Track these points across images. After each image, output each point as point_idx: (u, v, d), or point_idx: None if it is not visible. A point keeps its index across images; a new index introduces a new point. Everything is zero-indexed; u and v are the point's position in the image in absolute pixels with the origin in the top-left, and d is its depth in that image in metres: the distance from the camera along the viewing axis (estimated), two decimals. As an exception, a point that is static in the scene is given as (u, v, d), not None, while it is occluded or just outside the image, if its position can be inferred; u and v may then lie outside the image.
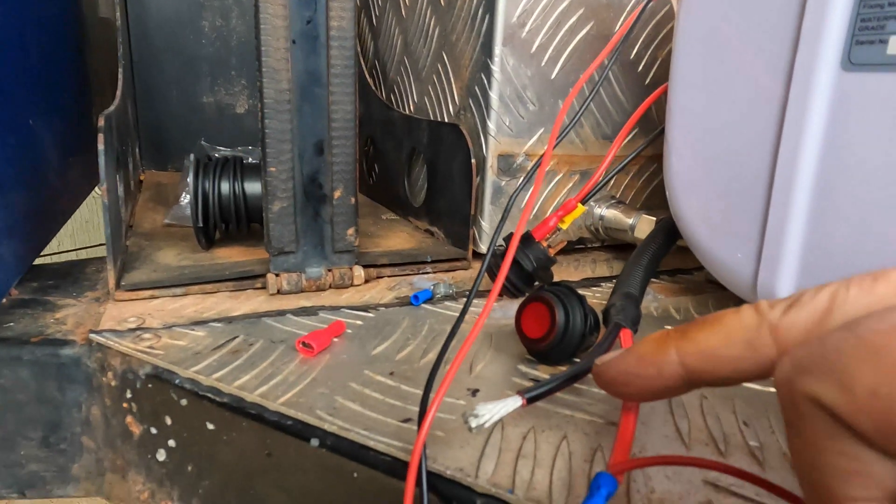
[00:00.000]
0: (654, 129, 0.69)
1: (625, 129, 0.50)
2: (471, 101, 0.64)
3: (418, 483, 0.29)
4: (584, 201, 0.51)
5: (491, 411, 0.27)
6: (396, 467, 0.31)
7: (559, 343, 0.39)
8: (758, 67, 0.40)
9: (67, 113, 0.72)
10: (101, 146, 0.47)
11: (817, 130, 0.36)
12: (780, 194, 0.39)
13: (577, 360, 0.42)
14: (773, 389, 0.39)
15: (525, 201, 0.65)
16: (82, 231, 2.23)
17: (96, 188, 0.87)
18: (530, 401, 0.29)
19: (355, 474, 0.32)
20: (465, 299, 0.54)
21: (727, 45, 0.42)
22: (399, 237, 0.70)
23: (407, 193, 0.78)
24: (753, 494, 0.28)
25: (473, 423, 0.27)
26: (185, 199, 0.75)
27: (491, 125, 0.62)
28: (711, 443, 0.33)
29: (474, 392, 0.37)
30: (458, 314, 0.49)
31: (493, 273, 0.51)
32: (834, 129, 0.36)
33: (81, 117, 0.78)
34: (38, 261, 0.60)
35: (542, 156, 0.45)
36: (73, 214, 0.78)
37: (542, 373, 0.40)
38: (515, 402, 0.28)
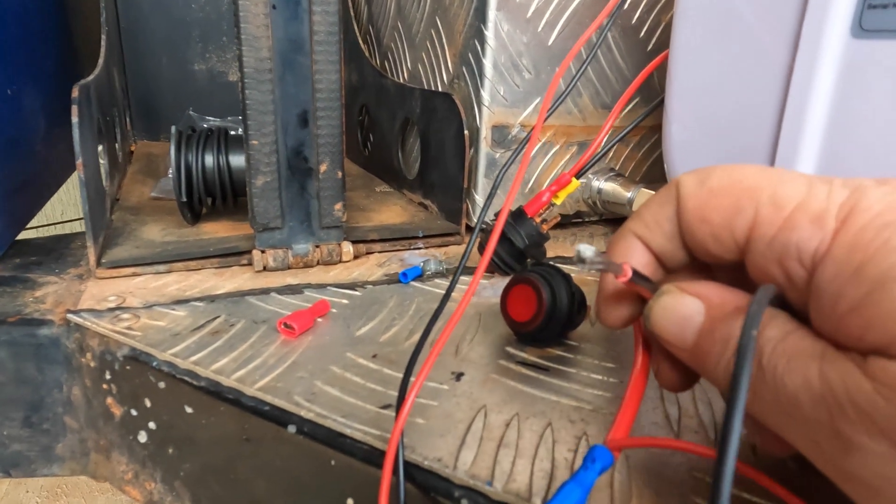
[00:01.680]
0: (656, 98, 0.66)
1: (623, 98, 0.48)
2: (464, 69, 0.62)
3: (395, 473, 0.28)
4: (579, 175, 0.49)
5: (599, 259, 0.23)
6: (374, 456, 0.30)
7: (546, 325, 0.38)
8: (763, 33, 0.37)
9: (50, 82, 0.70)
10: (74, 118, 0.45)
11: (824, 101, 0.34)
12: (782, 167, 0.37)
13: (568, 341, 0.41)
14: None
15: (532, 178, 0.63)
16: (70, 204, 2.21)
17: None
18: (634, 278, 0.25)
19: (332, 462, 0.31)
20: (460, 277, 0.52)
21: (731, 10, 0.39)
22: (392, 211, 0.68)
23: (401, 165, 0.76)
24: (742, 492, 0.27)
25: (584, 261, 0.23)
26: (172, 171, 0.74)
27: (485, 94, 0.59)
28: (702, 430, 0.32)
29: (458, 376, 0.36)
30: (454, 293, 0.48)
31: (483, 249, 0.50)
32: (841, 99, 0.34)
33: (67, 87, 0.75)
34: (31, 233, 0.58)
35: (531, 129, 0.42)
36: (61, 185, 0.77)
37: (530, 354, 0.39)
38: (619, 268, 0.24)
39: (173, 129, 0.55)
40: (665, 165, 0.48)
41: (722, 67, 0.41)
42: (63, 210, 2.12)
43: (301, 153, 0.50)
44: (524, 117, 0.61)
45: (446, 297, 0.37)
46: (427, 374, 0.30)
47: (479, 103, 0.60)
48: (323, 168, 0.51)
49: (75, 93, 0.46)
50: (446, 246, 0.61)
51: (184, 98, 1.05)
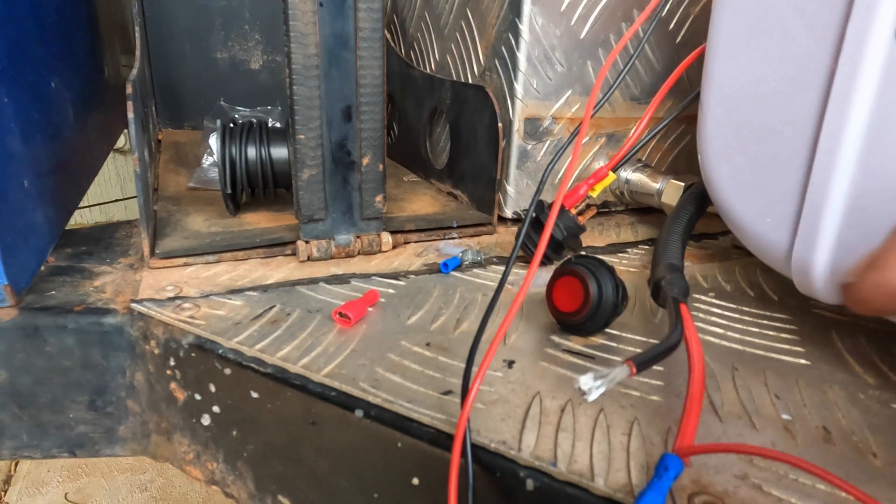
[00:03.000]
0: (682, 88, 0.67)
1: (660, 93, 0.49)
2: (496, 62, 0.63)
3: (463, 455, 0.30)
4: (615, 169, 0.50)
5: (601, 381, 0.28)
6: (440, 439, 0.32)
7: (593, 315, 0.40)
8: (805, 35, 0.39)
9: (83, 70, 0.71)
10: (130, 114, 0.47)
11: (865, 104, 0.35)
12: (822, 167, 0.38)
13: (609, 330, 0.43)
14: (802, 360, 0.40)
15: (562, 169, 0.64)
16: (94, 185, 2.24)
17: (118, 150, 0.86)
18: (639, 370, 0.29)
19: (399, 444, 0.33)
20: (493, 266, 0.54)
21: (772, 10, 0.41)
22: (423, 201, 0.70)
23: (428, 154, 0.78)
24: (788, 469, 0.29)
25: (591, 396, 0.27)
26: (207, 161, 0.75)
27: (518, 87, 0.61)
28: (745, 416, 0.34)
29: (510, 363, 0.38)
30: (487, 282, 0.50)
31: (525, 242, 0.52)
32: (884, 103, 0.35)
33: (95, 73, 0.77)
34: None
35: (580, 124, 0.44)
36: (97, 175, 0.78)
37: (575, 343, 0.41)
38: (624, 370, 0.29)
39: (218, 122, 0.56)
40: (699, 159, 0.49)
41: (761, 66, 0.42)
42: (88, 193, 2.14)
43: (345, 147, 0.52)
44: (556, 110, 0.62)
45: (499, 288, 0.38)
46: (489, 363, 0.32)
47: (513, 96, 0.61)
48: (365, 161, 0.53)
49: (129, 89, 0.48)
50: (478, 236, 0.63)
51: (206, 86, 1.07)
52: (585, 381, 0.28)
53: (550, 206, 0.52)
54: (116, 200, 2.14)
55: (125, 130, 0.96)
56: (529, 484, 0.29)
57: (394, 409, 0.33)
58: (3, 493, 1.45)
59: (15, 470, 1.54)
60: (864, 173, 0.36)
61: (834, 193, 0.38)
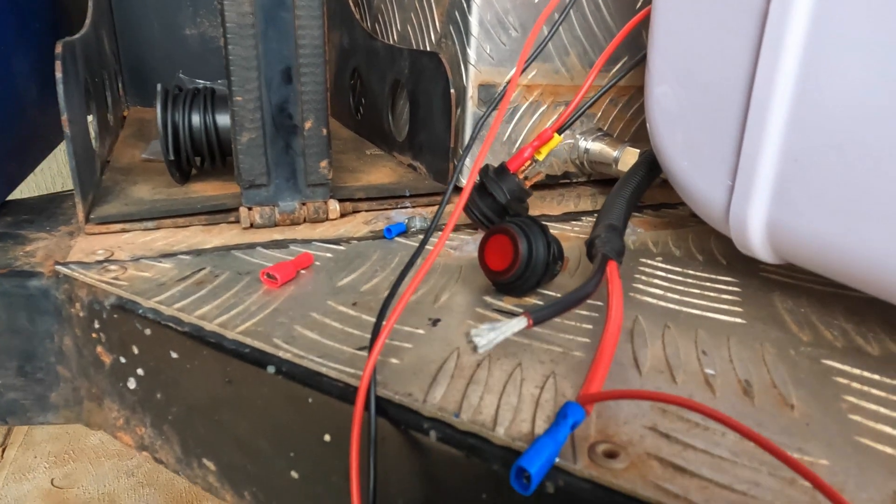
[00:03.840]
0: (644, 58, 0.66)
1: (605, 52, 0.48)
2: (451, 28, 0.62)
3: (367, 407, 0.29)
4: (560, 130, 0.49)
5: (495, 332, 0.27)
6: (349, 393, 0.31)
7: (523, 274, 0.39)
8: (739, -18, 0.37)
9: (40, 44, 0.70)
10: (58, 74, 0.45)
11: (794, 55, 0.34)
12: (755, 121, 0.37)
13: (544, 290, 0.42)
14: (738, 320, 0.39)
15: (520, 137, 0.63)
16: (63, 173, 2.22)
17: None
18: (536, 322, 0.29)
19: (310, 400, 0.32)
20: (439, 233, 0.53)
21: (710, -41, 0.39)
22: (381, 172, 0.69)
23: (391, 127, 0.77)
24: (699, 419, 0.29)
25: (480, 343, 0.26)
26: (165, 134, 0.74)
27: (471, 53, 0.59)
28: (667, 371, 0.33)
29: (435, 321, 0.37)
30: (430, 247, 0.49)
31: (469, 207, 0.50)
32: (812, 53, 0.34)
33: (42, 51, 0.75)
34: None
35: (508, 80, 0.43)
36: (54, 149, 0.77)
37: (507, 303, 0.40)
38: (521, 322, 0.28)
39: (159, 87, 0.55)
40: (647, 124, 0.48)
41: (698, 25, 0.41)
42: (63, 182, 2.13)
43: (285, 110, 0.51)
44: (511, 76, 0.61)
45: (421, 246, 0.37)
46: (399, 315, 0.31)
47: (466, 62, 0.60)
48: (308, 125, 0.52)
49: (59, 49, 0.46)
50: (433, 205, 0.62)
51: (176, 63, 1.05)
52: (477, 332, 0.27)
53: (497, 169, 0.51)
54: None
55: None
56: (432, 435, 0.28)
57: (304, 365, 0.32)
58: (-11, 480, 1.44)
59: (1, 456, 1.53)
60: (795, 126, 0.35)
61: (767, 147, 0.37)
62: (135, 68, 1.03)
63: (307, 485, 0.35)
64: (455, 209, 0.36)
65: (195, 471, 0.40)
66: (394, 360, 0.33)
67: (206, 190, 0.59)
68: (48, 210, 0.57)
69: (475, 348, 0.27)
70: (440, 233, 0.39)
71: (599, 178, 0.69)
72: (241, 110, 0.49)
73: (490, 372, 0.32)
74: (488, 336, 0.27)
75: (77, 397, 0.45)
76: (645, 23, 0.50)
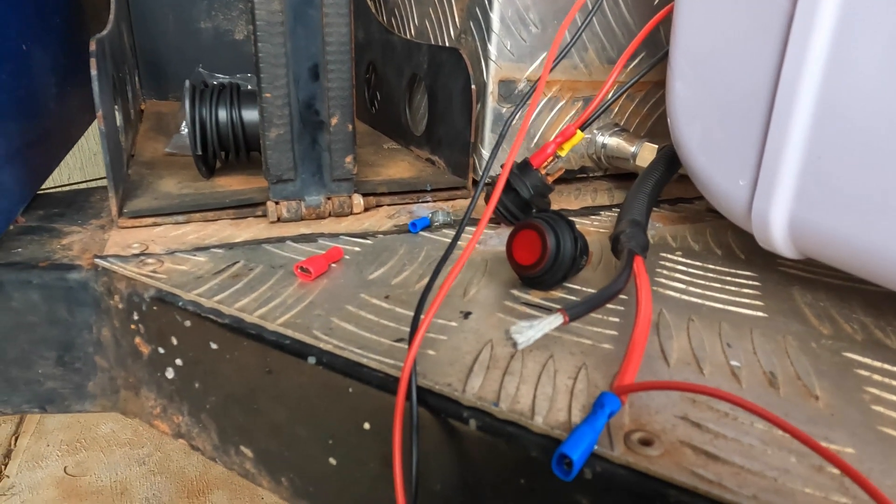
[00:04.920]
0: (663, 53, 0.66)
1: (627, 51, 0.49)
2: (471, 24, 0.62)
3: (408, 397, 0.30)
4: (583, 127, 0.50)
5: (533, 329, 0.28)
6: (388, 383, 0.32)
7: (551, 268, 0.40)
8: (765, -17, 0.38)
9: (62, 39, 0.71)
10: (93, 71, 0.46)
11: (821, 54, 0.35)
12: (779, 120, 0.38)
13: (570, 284, 0.43)
14: (760, 313, 0.40)
15: (538, 132, 0.64)
16: (91, 164, 2.23)
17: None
18: (572, 318, 0.30)
19: (350, 389, 0.34)
20: (469, 227, 0.54)
21: (736, -40, 0.40)
22: (400, 166, 0.70)
23: (408, 122, 0.77)
24: (728, 409, 0.30)
25: (520, 340, 0.28)
26: (185, 128, 0.75)
27: (492, 49, 0.60)
28: (694, 362, 0.34)
29: (466, 314, 0.38)
30: (461, 242, 0.50)
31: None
32: (839, 54, 0.34)
33: (76, 45, 0.76)
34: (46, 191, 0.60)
35: (535, 83, 0.44)
36: (75, 144, 0.78)
37: (534, 296, 0.41)
38: (557, 319, 0.29)
39: (187, 83, 0.56)
40: (668, 119, 0.49)
41: (723, 22, 0.42)
42: (70, 174, 2.15)
43: (312, 106, 0.52)
44: (531, 72, 0.62)
45: (453, 243, 0.38)
46: (437, 308, 0.33)
47: (486, 58, 0.61)
48: (334, 121, 0.52)
49: (93, 46, 0.47)
50: (453, 199, 0.63)
51: (190, 57, 1.06)
52: (516, 329, 0.28)
53: (520, 165, 0.52)
54: (104, 178, 2.14)
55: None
56: (472, 424, 0.30)
57: (344, 356, 0.34)
58: (3, 467, 1.46)
59: (15, 444, 1.55)
60: (821, 123, 0.36)
61: (791, 144, 0.38)
62: (150, 62, 1.04)
63: (344, 471, 0.36)
64: (489, 204, 0.37)
65: (232, 458, 0.42)
66: (430, 352, 0.34)
67: (232, 184, 0.60)
68: (77, 203, 0.58)
69: (514, 345, 0.28)
70: (470, 227, 0.40)
71: (615, 172, 0.70)
72: (270, 106, 0.50)
73: (524, 363, 0.33)
74: (527, 333, 0.28)
75: (114, 386, 0.47)
76: (665, 20, 0.50)
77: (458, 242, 0.40)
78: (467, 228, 0.54)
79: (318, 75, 0.51)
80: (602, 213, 0.60)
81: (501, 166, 0.53)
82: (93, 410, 0.48)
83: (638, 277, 0.35)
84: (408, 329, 0.36)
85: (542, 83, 0.42)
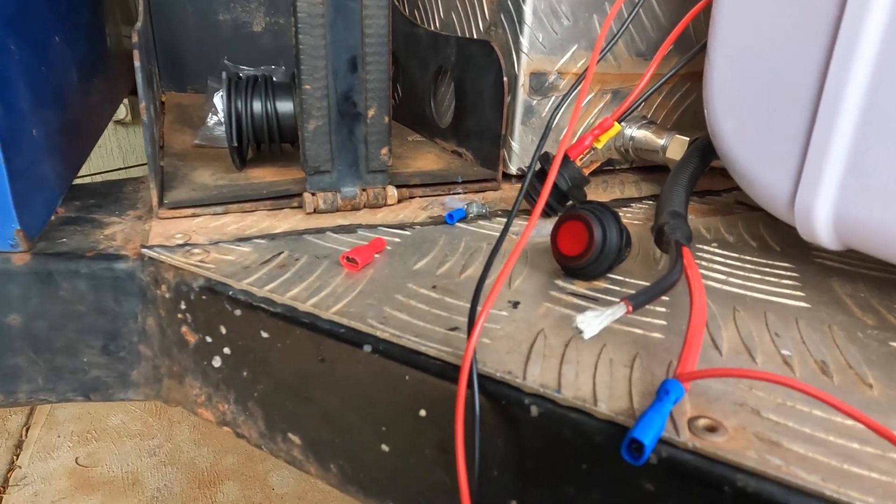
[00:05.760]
0: (689, 45, 0.67)
1: (665, 45, 0.49)
2: (502, 17, 0.63)
3: (470, 384, 0.31)
4: (620, 120, 0.50)
5: (599, 318, 0.29)
6: (447, 370, 0.33)
7: (597, 259, 0.40)
8: (814, -24, 0.38)
9: (85, 33, 0.71)
10: (136, 63, 0.47)
11: (871, 50, 0.35)
12: (826, 114, 0.38)
13: (612, 275, 0.44)
14: (802, 304, 0.41)
15: (565, 121, 0.64)
16: (96, 156, 2.24)
17: (120, 108, 0.86)
18: (635, 308, 0.30)
19: (407, 377, 0.34)
20: (498, 218, 0.55)
21: (782, -48, 0.40)
22: (427, 158, 0.70)
23: (433, 114, 0.78)
24: (784, 397, 0.30)
25: (587, 331, 0.28)
26: (212, 119, 0.75)
27: (524, 41, 0.60)
28: (745, 352, 0.34)
29: (515, 304, 0.39)
30: (492, 233, 0.50)
31: (529, 192, 0.52)
32: (889, 49, 0.35)
33: (97, 39, 0.76)
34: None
35: (584, 72, 0.44)
36: (100, 136, 0.79)
37: (579, 286, 0.42)
38: (621, 309, 0.30)
39: (224, 75, 0.56)
40: (706, 112, 0.49)
41: (767, 15, 0.42)
42: (89, 166, 2.15)
43: (350, 98, 0.52)
44: (561, 64, 0.62)
45: (503, 233, 0.39)
46: (495, 298, 0.33)
47: (518, 50, 0.61)
48: (371, 113, 0.53)
49: (135, 38, 0.48)
50: (483, 191, 0.63)
51: (209, 49, 1.06)
52: (582, 319, 0.29)
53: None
54: (118, 169, 2.14)
55: (125, 100, 0.95)
56: (534, 410, 0.30)
57: (402, 344, 0.34)
58: (15, 458, 1.47)
59: (26, 435, 1.56)
60: (868, 117, 0.36)
61: (837, 138, 0.38)
62: (169, 53, 1.04)
63: (398, 458, 0.36)
64: (541, 194, 0.38)
65: (279, 445, 0.42)
66: (485, 340, 0.34)
67: (265, 176, 0.60)
68: (112, 195, 0.59)
69: (581, 334, 0.28)
70: (512, 216, 0.40)
71: (641, 165, 0.71)
72: (310, 98, 0.50)
73: (579, 352, 0.34)
74: (594, 322, 0.28)
75: (157, 375, 0.47)
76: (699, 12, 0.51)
77: (496, 234, 0.40)
78: (502, 220, 0.55)
79: (357, 67, 0.51)
80: (633, 204, 0.61)
81: (540, 159, 0.54)
82: (136, 399, 0.48)
83: (688, 268, 0.35)
84: (460, 318, 0.37)
85: (589, 75, 0.42)
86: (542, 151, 0.53)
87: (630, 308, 0.30)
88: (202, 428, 1.58)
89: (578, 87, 0.45)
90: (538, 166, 0.51)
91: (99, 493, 1.35)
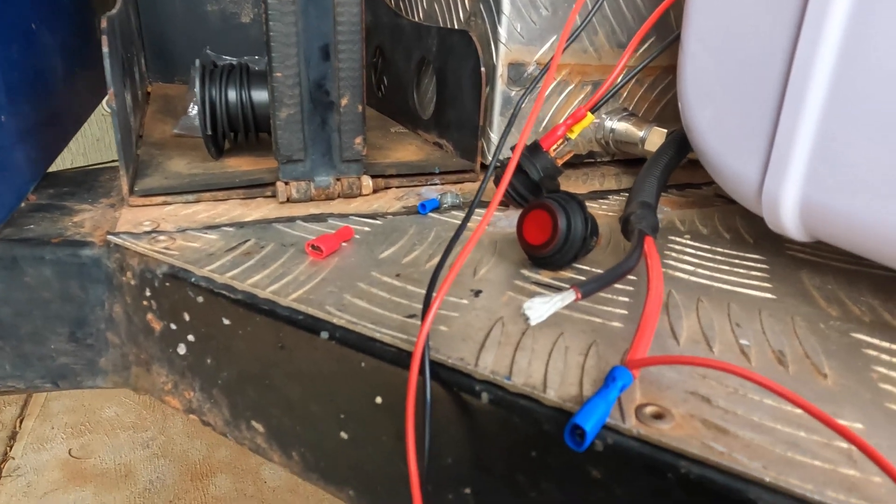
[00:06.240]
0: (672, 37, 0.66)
1: (638, 34, 0.49)
2: (481, 6, 0.62)
3: (421, 371, 0.30)
4: (593, 110, 0.50)
5: (546, 305, 0.28)
6: (401, 357, 0.33)
7: (561, 248, 0.40)
8: (781, -37, 0.38)
9: (70, 20, 0.70)
10: (105, 49, 0.47)
11: (837, 32, 0.35)
12: (792, 100, 0.38)
13: (579, 265, 0.43)
14: (768, 295, 0.40)
15: (547, 116, 0.64)
16: (94, 149, 2.24)
17: (103, 102, 0.86)
18: (584, 295, 0.30)
19: (363, 364, 0.34)
20: (478, 209, 0.55)
21: (751, -60, 0.40)
22: (408, 149, 0.70)
23: (416, 106, 0.77)
24: (737, 385, 0.30)
25: (533, 316, 0.28)
26: (193, 109, 0.75)
27: (502, 31, 0.60)
28: (703, 341, 0.34)
29: (477, 293, 0.39)
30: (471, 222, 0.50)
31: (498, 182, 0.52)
32: (854, 33, 0.34)
33: (84, 26, 0.76)
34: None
35: (550, 60, 0.44)
36: (82, 125, 0.78)
37: (544, 276, 0.41)
38: (570, 295, 0.29)
39: (197, 62, 0.56)
40: (679, 102, 0.49)
41: (737, 4, 0.42)
42: (73, 159, 2.15)
43: (323, 86, 0.52)
44: (540, 55, 0.62)
45: (464, 222, 0.39)
46: (449, 285, 0.33)
47: (496, 40, 0.60)
48: (344, 102, 0.53)
49: (104, 23, 0.47)
50: (462, 183, 0.63)
51: (197, 40, 1.05)
52: (529, 305, 0.28)
53: (530, 147, 0.52)
54: (109, 162, 2.14)
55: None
56: (484, 397, 0.30)
57: (357, 330, 0.34)
58: (8, 449, 1.47)
59: (20, 427, 1.57)
60: (835, 104, 0.36)
61: (804, 124, 0.38)
62: (156, 44, 1.04)
63: (356, 445, 0.36)
64: (500, 186, 0.37)
65: (243, 433, 0.42)
66: (442, 328, 0.34)
67: (240, 165, 0.60)
68: (86, 183, 0.59)
69: (528, 321, 0.28)
70: (480, 209, 0.40)
71: (623, 157, 0.70)
72: (281, 86, 0.50)
73: (535, 340, 0.33)
74: (540, 309, 0.28)
75: (125, 362, 0.47)
76: (675, 4, 0.50)
77: (468, 224, 0.40)
78: (477, 211, 0.54)
79: (329, 55, 0.51)
80: (610, 196, 0.61)
81: (511, 149, 0.53)
82: (104, 386, 0.48)
83: (648, 257, 0.35)
84: (419, 306, 0.37)
85: (554, 64, 0.42)
86: (531, 142, 0.53)
87: (579, 295, 0.30)
88: (196, 421, 1.59)
89: (542, 78, 0.44)
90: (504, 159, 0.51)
91: (91, 484, 1.36)
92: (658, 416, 0.27)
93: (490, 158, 0.65)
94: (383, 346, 0.33)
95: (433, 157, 0.67)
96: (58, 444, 1.49)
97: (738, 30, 0.42)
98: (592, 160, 0.70)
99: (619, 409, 0.28)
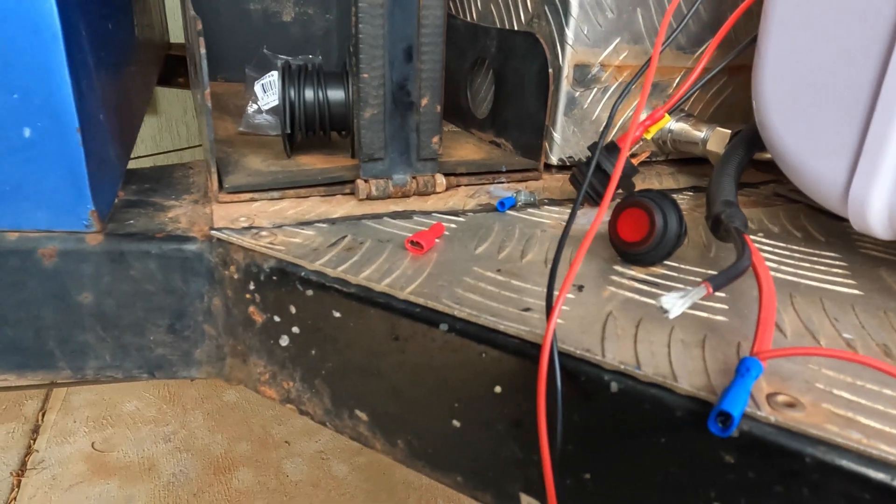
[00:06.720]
0: (727, 39, 0.68)
1: (715, 38, 0.50)
2: (546, 9, 0.64)
3: (551, 361, 0.32)
4: (671, 111, 0.51)
5: (683, 299, 0.30)
6: (524, 348, 0.34)
7: (657, 245, 0.41)
8: (876, -28, 0.39)
9: (123, 23, 0.72)
10: (202, 50, 0.48)
11: (936, 38, 0.37)
12: (885, 103, 0.40)
13: (667, 262, 0.45)
14: (856, 291, 0.42)
15: (596, 109, 0.65)
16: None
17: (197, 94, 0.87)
18: (716, 288, 0.32)
19: (483, 355, 0.36)
20: (546, 207, 0.56)
21: (842, -51, 0.41)
22: (467, 148, 0.71)
23: (469, 105, 0.79)
24: (853, 377, 0.32)
25: (672, 310, 0.29)
26: (252, 107, 0.76)
27: (569, 33, 0.61)
28: (808, 335, 0.36)
29: (580, 287, 0.40)
30: (542, 220, 0.52)
31: (576, 183, 0.53)
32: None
33: (130, 30, 0.77)
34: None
35: (646, 63, 0.45)
36: (142, 121, 0.80)
37: (637, 272, 0.43)
38: (702, 290, 0.31)
39: (279, 63, 0.57)
40: (754, 104, 0.50)
41: (824, 9, 0.43)
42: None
43: (405, 87, 0.53)
44: (604, 57, 0.63)
45: (571, 217, 0.40)
46: (572, 279, 0.34)
47: (563, 42, 0.62)
48: (424, 102, 0.54)
49: (199, 25, 0.49)
50: (525, 181, 0.64)
51: (239, 38, 1.07)
52: (667, 300, 0.30)
53: (607, 146, 0.53)
54: (151, 155, 2.13)
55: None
56: (614, 386, 0.32)
57: (479, 322, 0.36)
58: (32, 442, 1.49)
59: (43, 420, 1.58)
60: (930, 107, 0.38)
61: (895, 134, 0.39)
62: (199, 42, 1.05)
63: (468, 433, 0.38)
64: (610, 182, 0.39)
65: (345, 421, 0.44)
66: (559, 321, 0.36)
67: (314, 163, 0.61)
68: (164, 180, 0.60)
69: (666, 314, 0.30)
70: (551, 206, 0.42)
71: (677, 157, 0.72)
72: (367, 87, 0.51)
73: (650, 332, 0.35)
74: (678, 303, 0.30)
75: (220, 354, 0.49)
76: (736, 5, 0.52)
77: (547, 222, 0.42)
78: (553, 209, 0.56)
79: (412, 57, 0.52)
80: (672, 195, 0.62)
81: (589, 149, 0.55)
82: (198, 377, 0.50)
83: (753, 252, 0.37)
84: (530, 300, 0.38)
85: (653, 64, 0.43)
86: (593, 142, 0.55)
87: (710, 290, 0.31)
88: (216, 415, 1.60)
89: (640, 78, 0.46)
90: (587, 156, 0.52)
91: (116, 477, 1.37)
92: (790, 405, 0.29)
93: (553, 159, 0.66)
94: (506, 337, 0.35)
95: (495, 155, 0.68)
96: (80, 438, 1.51)
97: (826, 32, 0.43)
98: (647, 160, 0.72)
99: (752, 399, 0.29)
